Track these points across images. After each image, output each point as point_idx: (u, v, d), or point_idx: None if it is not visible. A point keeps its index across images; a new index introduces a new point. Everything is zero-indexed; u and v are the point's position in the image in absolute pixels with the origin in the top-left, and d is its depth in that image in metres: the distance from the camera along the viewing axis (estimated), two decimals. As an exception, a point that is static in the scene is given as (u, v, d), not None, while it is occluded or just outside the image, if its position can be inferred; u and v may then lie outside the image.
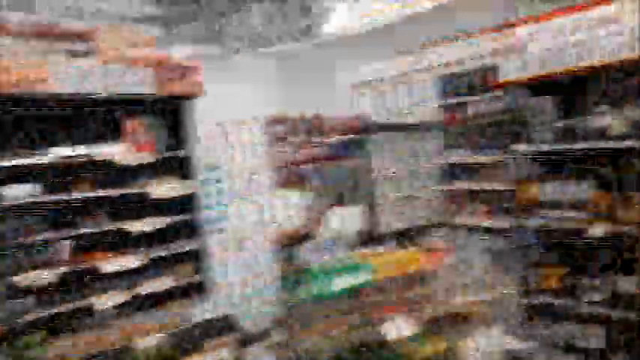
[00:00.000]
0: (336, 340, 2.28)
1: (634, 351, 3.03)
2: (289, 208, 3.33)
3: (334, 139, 5.69)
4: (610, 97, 3.82)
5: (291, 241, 3.08)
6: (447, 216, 3.50)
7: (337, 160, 5.46)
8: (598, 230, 3.35)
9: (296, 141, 5.62)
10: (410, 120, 5.68)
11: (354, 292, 2.42)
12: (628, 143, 3.37)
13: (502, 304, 3.07)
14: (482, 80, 5.83)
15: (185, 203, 4.06)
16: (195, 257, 4.12)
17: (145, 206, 3.96)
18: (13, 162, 3.25)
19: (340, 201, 4.25)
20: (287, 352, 2.40)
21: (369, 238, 2.95)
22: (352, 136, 5.68)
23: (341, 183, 5.15)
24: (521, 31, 4.23)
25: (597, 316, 3.20)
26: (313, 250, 2.86)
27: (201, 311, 3.88)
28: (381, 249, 2.78)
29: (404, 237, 3.00)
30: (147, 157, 3.77)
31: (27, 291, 3.41)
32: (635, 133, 3.40)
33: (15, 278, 3.26)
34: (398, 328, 2.32)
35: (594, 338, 2.95)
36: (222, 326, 3.72)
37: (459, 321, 2.54)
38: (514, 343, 2.46)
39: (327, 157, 5.52)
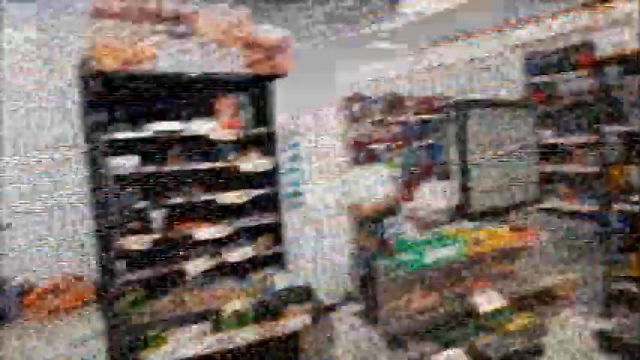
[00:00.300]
0: (427, 310, 2.34)
1: None
2: (375, 183, 3.38)
3: (414, 117, 5.68)
4: None
5: (378, 215, 3.15)
6: (535, 197, 3.42)
7: (418, 138, 5.46)
8: None
9: (374, 120, 5.66)
10: (498, 98, 5.54)
11: (444, 265, 2.46)
12: None
13: (586, 287, 2.99)
14: (573, 58, 5.50)
15: (267, 178, 4.26)
16: (276, 229, 4.32)
17: (232, 180, 4.21)
18: (118, 135, 3.57)
19: (429, 177, 4.25)
20: (374, 320, 2.49)
21: (460, 214, 2.95)
22: (433, 114, 5.65)
23: (425, 160, 5.15)
24: (620, 3, 3.98)
25: None
26: (402, 224, 2.93)
27: (281, 280, 4.08)
28: (471, 225, 2.79)
29: (494, 215, 2.98)
30: (235, 134, 3.99)
31: (125, 255, 3.75)
32: None
33: (115, 242, 3.60)
34: (488, 301, 2.35)
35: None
36: (301, 295, 3.90)
37: (546, 299, 2.52)
38: (599, 324, 2.40)
39: (408, 135, 5.53)
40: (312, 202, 4.77)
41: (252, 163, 4.10)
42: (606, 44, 4.06)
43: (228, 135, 3.95)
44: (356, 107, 5.77)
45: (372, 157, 5.32)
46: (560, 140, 5.35)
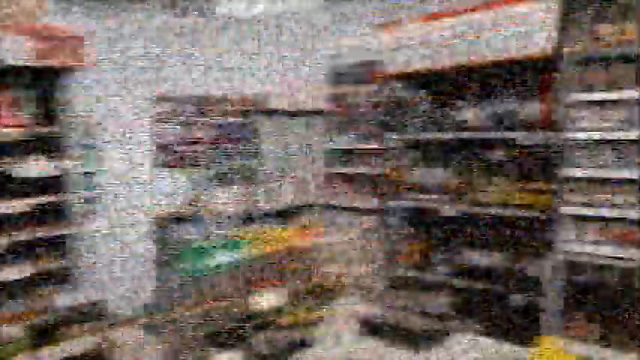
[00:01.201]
0: (211, 314, 2.32)
1: (475, 315, 3.42)
2: (171, 188, 3.27)
3: (223, 120, 5.66)
4: (473, 93, 4.19)
5: (172, 221, 3.04)
6: (326, 197, 3.69)
7: (224, 141, 5.43)
8: (451, 210, 3.77)
9: (183, 120, 5.51)
10: (296, 106, 5.79)
11: (231, 268, 2.48)
12: (481, 135, 3.79)
13: (369, 278, 3.31)
14: (368, 72, 6.08)
15: (54, 184, 3.82)
16: (64, 242, 3.90)
17: (9, 186, 3.66)
18: None
19: (223, 181, 4.26)
20: (163, 329, 2.39)
21: (251, 216, 3.01)
22: (241, 118, 5.69)
23: (226, 163, 5.13)
24: (405, 28, 4.50)
25: (446, 285, 3.62)
26: (194, 229, 2.87)
27: (66, 298, 3.68)
28: (261, 227, 2.85)
29: (284, 216, 3.10)
30: (16, 134, 3.49)
31: None
32: (487, 126, 3.81)
33: None
34: (269, 300, 2.43)
35: (441, 304, 3.27)
36: (88, 312, 3.57)
37: (326, 292, 2.70)
38: (372, 311, 2.66)
39: (213, 138, 5.48)
40: (110, 208, 4.41)
41: (33, 166, 3.64)
42: (391, 62, 4.56)
43: (5, 135, 3.44)
44: (165, 107, 5.54)
45: (180, 160, 5.16)
46: (355, 146, 5.89)
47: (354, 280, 2.85)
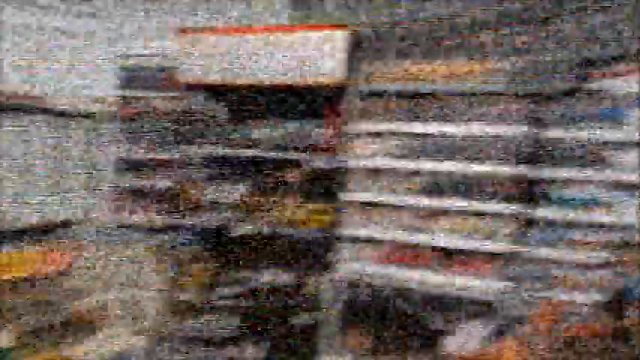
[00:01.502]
0: None
1: (264, 337, 3.40)
2: None
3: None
4: (268, 112, 4.21)
5: None
6: (103, 213, 3.22)
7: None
8: (241, 229, 3.72)
9: None
10: (74, 107, 5.06)
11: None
12: (272, 154, 3.82)
13: (144, 304, 2.98)
14: (164, 77, 5.67)
15: None
16: None
17: None
18: None
19: None
20: None
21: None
22: None
23: None
24: (206, 37, 4.35)
25: (233, 308, 3.52)
26: None
27: None
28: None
29: (29, 236, 2.57)
30: None
31: None
32: (279, 146, 3.88)
33: None
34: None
35: (228, 328, 3.16)
36: None
37: (80, 325, 2.28)
38: (141, 343, 2.35)
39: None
40: None
41: None
42: (189, 71, 4.34)
43: None
44: None
45: None
46: (147, 156, 5.40)
47: (123, 309, 2.49)
